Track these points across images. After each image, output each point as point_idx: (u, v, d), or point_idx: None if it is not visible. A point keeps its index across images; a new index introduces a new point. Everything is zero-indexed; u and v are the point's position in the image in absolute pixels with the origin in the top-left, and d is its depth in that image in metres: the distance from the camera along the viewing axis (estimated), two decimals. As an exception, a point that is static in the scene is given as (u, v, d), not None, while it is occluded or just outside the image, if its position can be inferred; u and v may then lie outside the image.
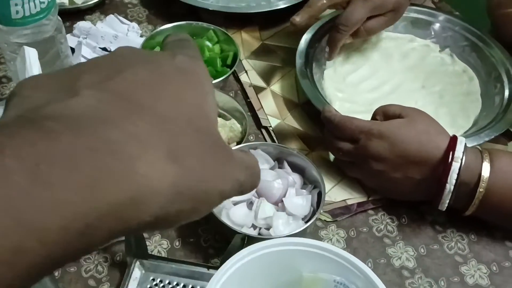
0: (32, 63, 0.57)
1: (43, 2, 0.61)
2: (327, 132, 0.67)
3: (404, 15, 0.80)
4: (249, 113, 0.75)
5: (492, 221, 0.62)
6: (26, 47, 0.57)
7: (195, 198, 0.24)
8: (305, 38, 0.80)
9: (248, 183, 0.28)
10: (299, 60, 0.77)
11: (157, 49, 0.77)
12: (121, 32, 0.82)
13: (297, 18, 0.77)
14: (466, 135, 0.69)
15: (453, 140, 0.59)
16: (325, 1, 0.77)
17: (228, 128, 0.68)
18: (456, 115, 0.74)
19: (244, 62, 0.81)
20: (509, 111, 0.70)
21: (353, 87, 0.77)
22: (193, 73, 0.27)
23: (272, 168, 0.64)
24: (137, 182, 0.22)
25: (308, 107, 0.74)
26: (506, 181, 0.58)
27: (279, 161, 0.65)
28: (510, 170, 0.58)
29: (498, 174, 0.58)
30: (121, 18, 0.84)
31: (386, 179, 0.62)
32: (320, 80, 0.77)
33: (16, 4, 0.60)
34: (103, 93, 0.23)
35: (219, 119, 0.70)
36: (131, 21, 0.85)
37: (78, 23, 0.81)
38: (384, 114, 0.64)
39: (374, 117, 0.65)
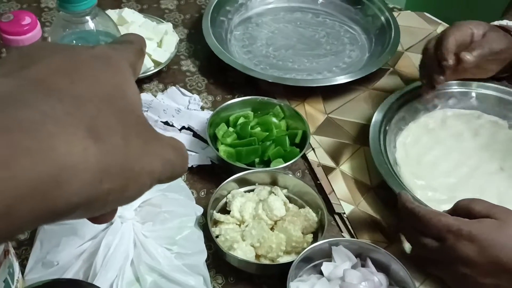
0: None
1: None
2: (407, 224, 0.62)
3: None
4: (318, 197, 0.71)
5: None
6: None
7: (123, 175, 0.25)
8: (378, 113, 0.76)
9: (178, 164, 0.28)
10: (372, 138, 0.73)
11: (223, 125, 0.74)
12: (182, 105, 0.78)
13: (469, 56, 0.74)
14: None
15: None
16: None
17: (302, 217, 0.64)
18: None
19: (310, 138, 0.77)
20: None
21: (429, 171, 0.73)
22: (110, 59, 0.28)
23: (354, 267, 0.60)
24: (57, 159, 0.22)
25: (384, 191, 0.70)
26: None
27: (360, 257, 0.61)
28: None
29: None
30: (182, 90, 0.81)
31: (474, 284, 0.57)
32: (394, 164, 0.72)
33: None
34: (18, 80, 0.24)
35: (291, 206, 0.66)
36: (190, 90, 0.82)
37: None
38: (470, 211, 0.60)
39: (456, 213, 0.61)
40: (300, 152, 0.71)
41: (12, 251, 0.47)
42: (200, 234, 0.57)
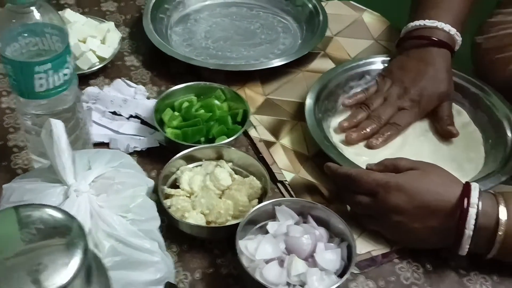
0: (59, 136, 0.57)
1: (66, 74, 0.62)
2: (342, 187, 0.69)
3: None
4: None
5: (514, 262, 0.65)
6: (52, 120, 0.57)
7: None
8: (312, 92, 0.82)
9: None
10: (308, 112, 0.79)
11: (169, 110, 0.78)
12: (129, 96, 0.82)
13: (347, 101, 0.82)
14: (476, 179, 0.71)
15: (467, 187, 0.62)
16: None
17: (247, 185, 0.69)
18: (462, 160, 0.77)
19: (251, 117, 0.83)
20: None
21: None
22: None
23: (297, 223, 0.66)
24: None
25: (319, 159, 0.76)
26: None
27: (302, 215, 0.67)
28: None
29: None
30: (128, 81, 0.85)
31: (406, 230, 0.64)
32: (329, 133, 0.79)
33: (40, 78, 0.60)
34: None
35: (237, 177, 0.71)
36: (136, 83, 0.86)
37: (86, 88, 0.82)
38: (395, 166, 0.66)
39: (383, 171, 0.67)
40: (241, 129, 0.76)
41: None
42: (152, 203, 0.61)
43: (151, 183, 0.64)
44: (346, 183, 0.68)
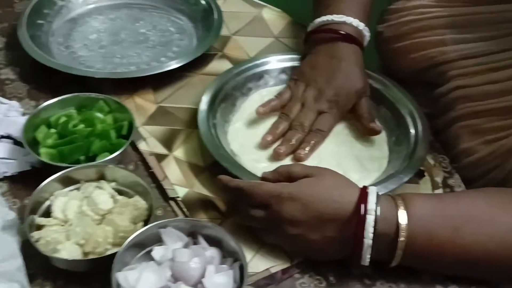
0: None
1: None
2: (235, 200, 0.63)
3: None
4: (153, 185, 0.69)
5: (419, 267, 0.60)
6: None
7: None
8: (206, 96, 0.76)
9: None
10: (201, 120, 0.73)
11: (43, 127, 0.70)
12: (0, 113, 0.73)
13: (261, 110, 0.75)
14: (378, 181, 0.67)
15: (364, 191, 0.57)
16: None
17: (131, 207, 0.62)
18: (365, 160, 0.72)
19: (141, 129, 0.76)
20: (416, 152, 0.70)
21: (268, 153, 0.73)
22: None
23: (186, 246, 0.59)
24: None
25: (215, 170, 0.69)
26: (424, 226, 0.56)
27: (193, 235, 0.60)
28: (426, 214, 0.57)
29: (415, 221, 0.56)
30: (-1, 98, 0.76)
31: (304, 241, 0.59)
32: (232, 154, 0.72)
33: None
34: None
35: (121, 198, 0.64)
36: (10, 99, 0.77)
37: None
38: (289, 175, 0.62)
39: (278, 179, 0.62)
40: (126, 143, 0.69)
41: None
42: (10, 240, 0.54)
43: (10, 215, 0.55)
44: (238, 197, 0.62)
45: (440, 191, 0.71)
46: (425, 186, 0.71)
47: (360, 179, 0.69)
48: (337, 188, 0.58)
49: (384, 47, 0.87)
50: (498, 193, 0.61)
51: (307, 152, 0.71)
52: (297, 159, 0.71)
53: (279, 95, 0.78)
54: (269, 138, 0.73)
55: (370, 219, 0.55)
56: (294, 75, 0.80)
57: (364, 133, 0.75)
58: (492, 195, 0.61)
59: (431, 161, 0.74)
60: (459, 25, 0.79)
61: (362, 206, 0.56)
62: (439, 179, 0.72)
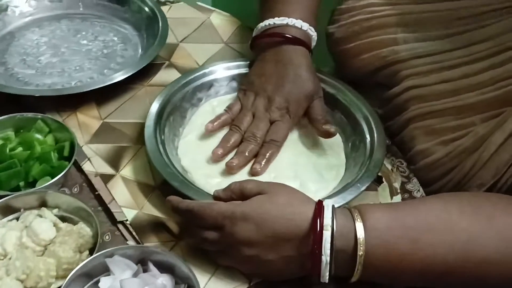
0: None
1: None
2: (187, 224, 0.60)
3: None
4: (100, 208, 0.65)
5: (381, 282, 0.58)
6: None
7: None
8: (153, 109, 0.72)
9: None
10: (148, 136, 0.69)
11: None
12: None
13: (210, 126, 0.72)
14: (335, 191, 0.65)
15: (319, 206, 0.55)
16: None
17: (76, 235, 0.58)
18: (323, 169, 0.70)
19: (85, 148, 0.72)
20: (373, 159, 0.68)
21: (221, 167, 0.69)
22: None
23: (135, 275, 0.55)
24: None
25: (166, 189, 0.66)
26: (382, 239, 0.54)
27: (142, 262, 0.57)
28: (384, 226, 0.55)
29: (373, 233, 0.54)
30: None
31: (261, 263, 0.56)
32: (183, 172, 0.68)
33: None
34: None
35: (64, 225, 0.60)
36: None
37: None
38: (242, 193, 0.59)
39: (231, 197, 0.60)
40: (68, 165, 0.65)
41: None
42: None
43: None
44: (190, 219, 0.59)
45: (398, 197, 0.69)
46: (383, 193, 0.69)
47: (318, 189, 0.67)
48: (292, 204, 0.55)
49: (336, 48, 0.85)
50: (456, 199, 0.59)
51: (263, 165, 0.69)
52: (254, 174, 0.68)
53: (228, 108, 0.75)
54: (220, 151, 0.69)
55: (327, 235, 0.52)
56: (242, 86, 0.77)
57: (320, 136, 0.73)
58: (450, 201, 0.59)
59: (389, 166, 0.73)
60: (410, 23, 0.78)
61: (318, 222, 0.53)
62: (397, 185, 0.70)
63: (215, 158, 0.69)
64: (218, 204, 0.57)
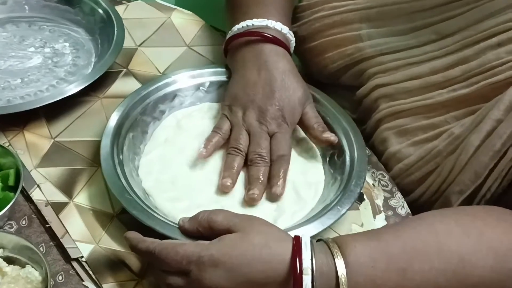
0: None
1: None
2: (150, 265, 0.53)
3: None
4: (52, 243, 0.58)
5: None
6: None
7: None
8: (109, 125, 0.65)
9: None
10: (105, 156, 0.62)
11: None
12: None
13: (204, 152, 0.64)
14: (314, 215, 0.59)
15: (297, 245, 0.49)
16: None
17: (23, 281, 0.51)
18: (301, 187, 0.64)
19: (34, 173, 0.64)
20: (353, 176, 0.62)
21: (188, 189, 0.63)
22: None
23: (92, 326, 0.49)
24: None
25: (127, 216, 0.59)
26: (367, 275, 0.49)
27: (100, 311, 0.50)
28: (367, 260, 0.49)
29: (356, 270, 0.49)
30: None
31: None
32: (145, 196, 0.62)
33: None
34: None
35: (10, 269, 0.53)
36: None
37: None
38: (210, 226, 0.52)
39: (197, 229, 0.53)
40: (14, 196, 0.57)
41: None
42: None
43: None
44: (152, 260, 0.52)
45: (382, 215, 0.64)
46: (365, 211, 0.64)
47: (295, 211, 0.61)
48: (267, 244, 0.49)
49: (300, 47, 0.78)
50: (442, 218, 0.54)
51: (281, 186, 0.62)
52: (275, 199, 0.62)
53: (217, 128, 0.67)
54: (229, 182, 0.62)
55: (307, 281, 0.47)
56: (226, 102, 0.69)
57: (317, 145, 0.68)
58: (435, 222, 0.53)
59: (370, 181, 0.67)
60: (373, 18, 0.72)
61: (298, 265, 0.47)
62: (379, 202, 0.65)
63: (225, 190, 0.62)
64: (183, 246, 0.50)
